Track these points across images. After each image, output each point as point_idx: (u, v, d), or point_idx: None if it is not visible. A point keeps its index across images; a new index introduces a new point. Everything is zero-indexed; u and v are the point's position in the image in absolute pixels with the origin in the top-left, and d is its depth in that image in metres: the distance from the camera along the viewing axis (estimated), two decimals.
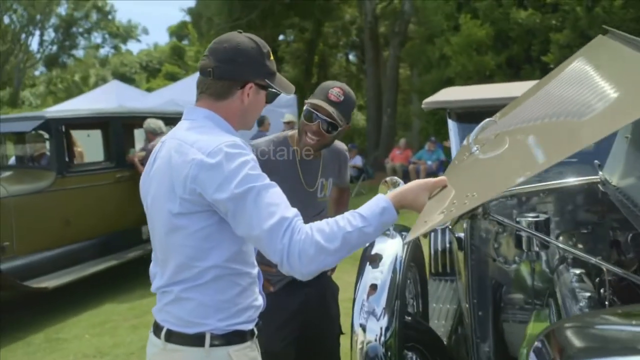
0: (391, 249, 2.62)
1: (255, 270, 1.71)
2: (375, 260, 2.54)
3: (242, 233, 1.50)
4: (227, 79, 1.63)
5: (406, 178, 11.49)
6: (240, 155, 1.51)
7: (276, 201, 1.49)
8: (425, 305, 3.16)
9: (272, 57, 1.70)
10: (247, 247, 1.64)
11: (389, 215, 1.52)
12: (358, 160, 12.32)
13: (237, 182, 1.47)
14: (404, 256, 2.57)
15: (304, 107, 2.36)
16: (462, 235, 2.70)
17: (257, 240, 1.47)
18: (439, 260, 4.45)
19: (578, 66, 1.92)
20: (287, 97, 12.71)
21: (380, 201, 1.54)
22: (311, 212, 2.51)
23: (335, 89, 2.34)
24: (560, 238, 2.67)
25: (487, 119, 1.91)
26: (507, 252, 2.69)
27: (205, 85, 1.65)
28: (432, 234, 4.56)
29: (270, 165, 2.41)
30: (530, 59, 12.13)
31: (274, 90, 1.71)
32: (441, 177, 1.60)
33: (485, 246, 2.68)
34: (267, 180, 1.52)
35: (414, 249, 2.80)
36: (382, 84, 18.74)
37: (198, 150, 1.51)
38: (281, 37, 25.55)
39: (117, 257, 5.90)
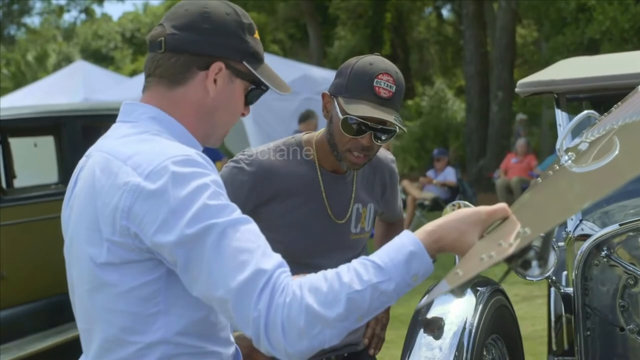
0: (458, 312, 2.64)
1: (230, 349, 1.77)
2: (433, 326, 2.58)
3: (199, 293, 1.56)
4: (184, 52, 1.71)
5: None
6: (195, 177, 1.56)
7: (249, 245, 1.53)
8: None
9: (255, 34, 1.79)
10: (216, 316, 1.71)
11: (420, 265, 1.54)
12: (450, 175, 12.29)
13: (189, 217, 1.52)
14: (477, 323, 2.59)
15: (340, 116, 2.41)
16: (570, 290, 2.70)
17: (221, 304, 1.52)
18: (563, 330, 4.41)
19: None
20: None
21: (406, 242, 1.57)
22: (342, 256, 2.58)
23: (383, 76, 2.39)
24: None
25: (586, 111, 1.96)
26: None
27: (154, 63, 1.74)
28: (553, 289, 4.54)
29: (281, 183, 2.51)
30: None
31: (256, 78, 1.76)
32: (499, 205, 1.63)
33: (608, 308, 2.68)
34: (237, 212, 1.58)
35: (498, 310, 2.82)
36: (490, 53, 18.66)
37: (133, 170, 1.58)
38: None
39: (74, 328, 6.08)
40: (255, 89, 1.80)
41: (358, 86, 2.39)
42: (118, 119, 1.77)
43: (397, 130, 2.43)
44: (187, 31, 1.71)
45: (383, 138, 2.44)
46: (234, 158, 2.55)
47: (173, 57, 1.72)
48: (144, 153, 1.61)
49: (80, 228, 1.67)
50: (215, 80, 1.72)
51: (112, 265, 1.61)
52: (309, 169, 2.57)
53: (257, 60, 1.78)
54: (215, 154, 8.69)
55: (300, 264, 2.42)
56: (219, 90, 1.73)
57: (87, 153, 1.76)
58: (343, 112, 2.41)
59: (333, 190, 2.58)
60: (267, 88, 1.81)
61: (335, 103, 2.45)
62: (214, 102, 1.74)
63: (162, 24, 1.75)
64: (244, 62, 1.75)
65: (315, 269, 2.47)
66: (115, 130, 1.75)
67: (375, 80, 2.37)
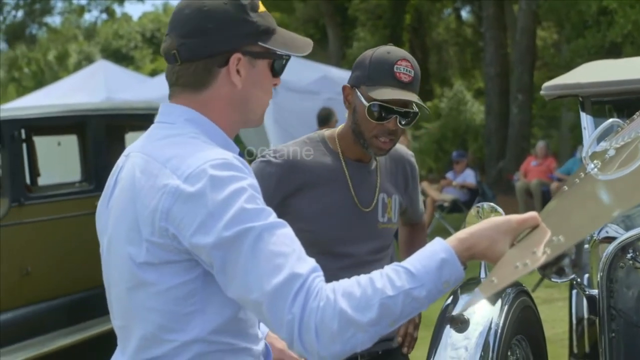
0: (484, 312, 2.66)
1: (260, 345, 1.80)
2: (457, 320, 2.60)
3: (234, 295, 1.59)
4: (200, 59, 1.73)
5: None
6: (233, 181, 1.59)
7: (284, 249, 1.56)
8: None
9: (260, 9, 1.78)
10: (246, 313, 1.74)
11: (451, 272, 1.57)
12: (469, 177, 12.26)
13: (226, 220, 1.55)
14: (502, 324, 2.61)
15: (365, 103, 2.49)
16: (594, 292, 2.71)
17: (256, 306, 1.55)
18: (585, 333, 4.40)
19: None
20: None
21: (438, 250, 1.59)
22: (370, 246, 2.64)
23: (402, 62, 2.50)
24: None
25: (611, 120, 1.98)
26: None
27: (175, 75, 1.77)
28: (575, 291, 4.53)
29: (307, 174, 2.57)
30: None
31: (275, 52, 1.77)
32: (530, 214, 1.65)
33: (633, 310, 2.69)
34: (273, 216, 1.61)
35: (524, 311, 2.83)
36: (510, 55, 18.60)
37: (172, 173, 1.61)
38: None
39: (96, 325, 6.12)
40: (277, 60, 1.81)
41: (379, 74, 2.49)
42: (156, 119, 1.80)
43: (418, 112, 2.53)
44: (195, 37, 1.72)
45: (404, 122, 2.52)
46: (261, 154, 2.62)
47: (191, 66, 1.74)
48: (182, 156, 1.64)
49: (120, 228, 1.70)
50: (238, 71, 1.74)
51: (151, 265, 1.64)
52: (334, 159, 2.63)
53: (269, 33, 1.78)
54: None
55: (330, 253, 2.47)
56: (244, 79, 1.75)
57: (125, 152, 1.80)
58: (368, 98, 2.48)
59: (358, 178, 2.64)
60: (288, 56, 1.82)
61: (358, 93, 2.53)
62: (243, 91, 1.77)
63: (169, 34, 1.77)
64: (259, 43, 1.76)
65: (345, 257, 2.54)
66: (154, 130, 1.78)
67: (395, 66, 2.48)
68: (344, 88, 2.59)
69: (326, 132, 2.71)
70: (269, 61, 1.79)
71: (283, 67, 1.83)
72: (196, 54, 1.73)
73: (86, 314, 6.12)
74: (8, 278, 5.68)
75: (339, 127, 2.69)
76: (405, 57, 2.52)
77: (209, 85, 1.75)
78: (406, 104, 2.48)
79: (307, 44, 1.86)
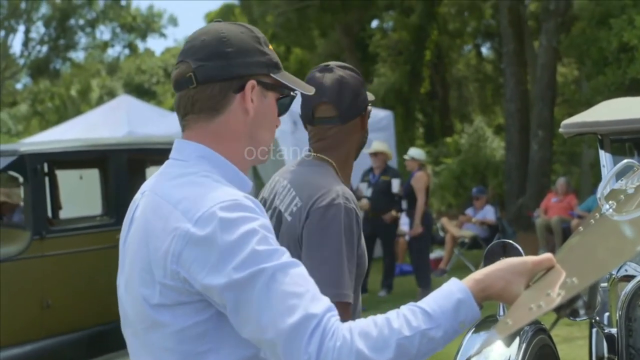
0: (502, 350, 2.65)
1: None
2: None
3: (249, 336, 1.59)
4: (218, 81, 1.74)
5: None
6: (243, 222, 1.59)
7: (297, 290, 1.55)
8: None
9: (270, 47, 1.84)
10: (262, 354, 1.72)
11: (467, 312, 1.58)
12: (489, 213, 12.23)
13: (237, 262, 1.55)
14: None
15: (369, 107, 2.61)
16: (613, 331, 2.70)
17: (271, 347, 1.55)
18: None
19: None
20: (379, 116, 12.90)
21: (454, 290, 1.60)
22: None
23: None
24: None
25: (626, 160, 2.00)
26: None
27: (189, 100, 1.77)
28: (595, 330, 4.52)
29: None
30: None
31: (286, 86, 1.82)
32: (545, 255, 1.67)
33: None
34: (286, 256, 1.60)
35: (542, 350, 2.82)
36: (531, 92, 18.61)
37: (183, 215, 1.61)
38: (374, 24, 26.06)
39: (115, 359, 6.14)
40: (282, 97, 1.85)
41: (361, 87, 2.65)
42: (171, 155, 1.81)
43: None
44: (214, 59, 1.74)
45: None
46: (337, 200, 2.42)
47: (208, 89, 1.74)
48: (193, 198, 1.64)
49: (134, 270, 1.71)
50: (252, 99, 1.77)
51: (164, 306, 1.64)
52: None
53: (279, 69, 1.83)
54: None
55: (359, 285, 2.47)
56: (256, 108, 1.78)
57: (142, 189, 1.80)
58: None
59: None
60: (295, 94, 1.87)
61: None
62: (254, 121, 1.78)
63: (182, 61, 1.78)
64: (271, 74, 1.80)
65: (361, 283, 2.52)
66: (168, 168, 1.79)
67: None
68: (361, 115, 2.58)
69: (328, 167, 2.59)
70: (277, 96, 1.83)
71: (286, 106, 1.87)
72: (214, 76, 1.74)
73: (106, 347, 6.14)
74: (29, 311, 5.73)
75: (330, 160, 2.56)
76: None
77: (224, 111, 1.76)
78: None
79: (310, 87, 1.94)
